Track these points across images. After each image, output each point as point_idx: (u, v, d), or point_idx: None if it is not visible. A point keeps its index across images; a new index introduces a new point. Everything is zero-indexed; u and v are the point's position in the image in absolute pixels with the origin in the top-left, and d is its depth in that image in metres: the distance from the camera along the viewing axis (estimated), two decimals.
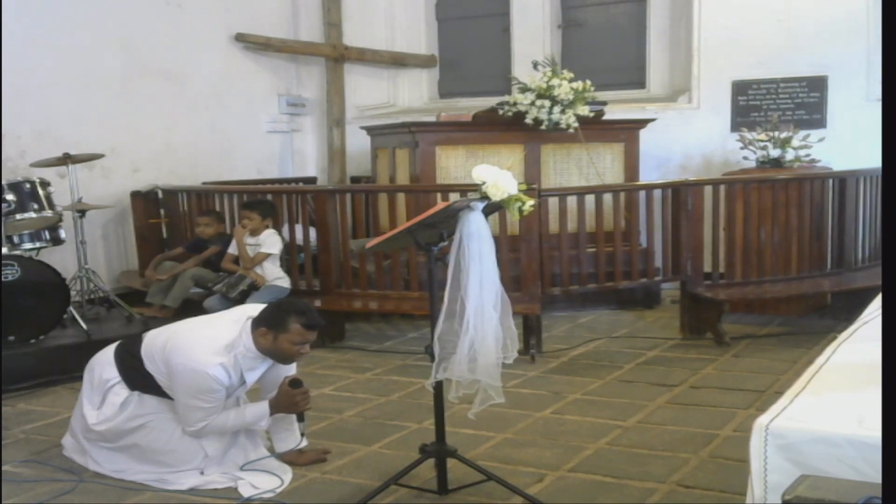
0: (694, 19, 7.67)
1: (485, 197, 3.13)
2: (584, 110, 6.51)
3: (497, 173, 3.13)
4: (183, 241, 6.73)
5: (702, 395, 4.69)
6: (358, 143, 8.40)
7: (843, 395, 2.22)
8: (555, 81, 6.44)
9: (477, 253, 3.10)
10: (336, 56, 8.64)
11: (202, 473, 3.63)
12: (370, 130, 7.59)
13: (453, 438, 3.56)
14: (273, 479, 3.58)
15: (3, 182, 5.42)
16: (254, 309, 3.65)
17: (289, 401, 3.58)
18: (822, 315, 6.43)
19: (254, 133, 8.48)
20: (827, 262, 6.30)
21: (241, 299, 5.61)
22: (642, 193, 6.10)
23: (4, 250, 5.33)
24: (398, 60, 8.87)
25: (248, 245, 5.93)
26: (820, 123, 7.32)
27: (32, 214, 5.43)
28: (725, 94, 7.64)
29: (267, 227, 5.99)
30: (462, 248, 3.11)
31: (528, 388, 4.90)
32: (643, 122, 7.10)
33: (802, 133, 6.83)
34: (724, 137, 7.56)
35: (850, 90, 7.21)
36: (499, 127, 6.68)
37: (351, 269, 6.17)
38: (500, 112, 6.60)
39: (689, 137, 7.72)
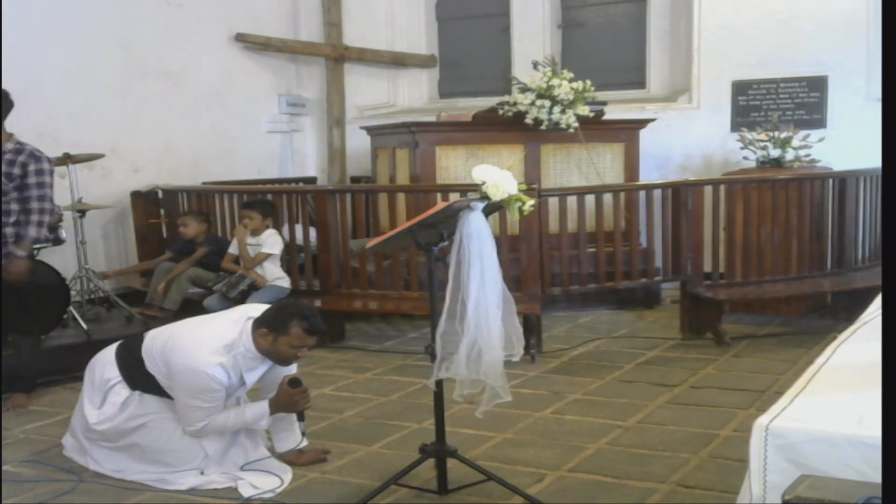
0: (694, 19, 7.67)
1: (485, 197, 3.13)
2: (584, 110, 6.51)
3: (497, 173, 3.13)
4: (182, 241, 6.72)
5: (702, 395, 4.69)
6: (358, 143, 8.40)
7: (843, 395, 2.22)
8: (555, 81, 6.44)
9: (477, 253, 3.10)
10: (336, 56, 8.64)
11: (202, 473, 3.63)
12: (370, 130, 7.59)
13: (453, 438, 3.56)
14: (273, 479, 3.58)
15: None
16: (254, 309, 3.65)
17: (288, 400, 3.59)
18: (822, 315, 6.43)
19: (254, 133, 8.49)
20: (827, 262, 6.30)
21: (241, 299, 5.61)
22: (642, 193, 6.10)
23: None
24: (398, 60, 8.87)
25: (249, 245, 5.93)
26: (820, 123, 7.32)
27: None
28: (725, 94, 7.64)
29: (268, 226, 5.99)
30: (462, 247, 3.11)
31: (528, 388, 4.90)
32: (643, 122, 7.09)
33: (802, 133, 6.83)
34: (724, 137, 7.56)
35: (850, 90, 7.21)
36: (499, 127, 6.68)
37: (351, 269, 6.17)
38: (500, 112, 6.60)
39: (689, 137, 7.71)
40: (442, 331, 3.16)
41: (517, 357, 3.25)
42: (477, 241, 3.10)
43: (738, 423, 4.16)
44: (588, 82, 6.55)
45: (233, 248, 6.08)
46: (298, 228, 6.30)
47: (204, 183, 7.44)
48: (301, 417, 3.65)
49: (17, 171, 4.56)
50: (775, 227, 6.06)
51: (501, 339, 3.16)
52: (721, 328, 5.81)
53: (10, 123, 6.47)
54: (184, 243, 6.44)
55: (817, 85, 7.35)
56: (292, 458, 3.77)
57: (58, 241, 5.74)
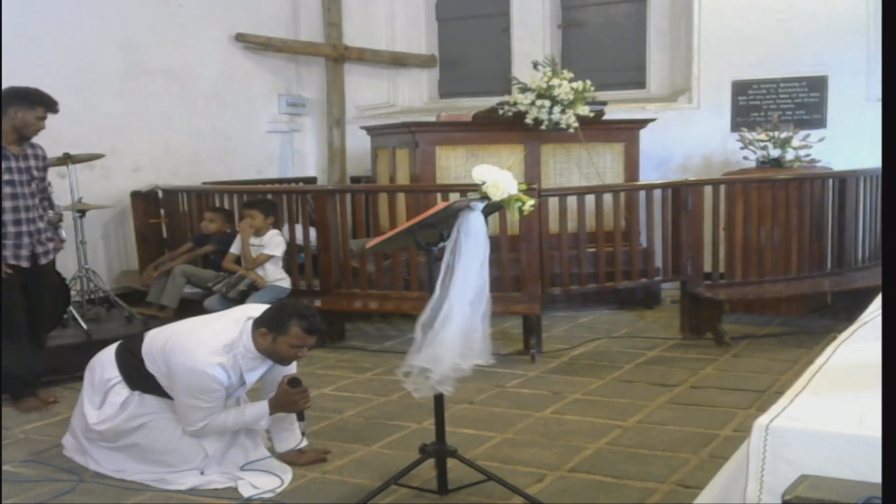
0: (694, 19, 7.67)
1: (485, 197, 3.13)
2: (584, 110, 6.51)
3: (497, 173, 3.12)
4: (183, 240, 6.74)
5: (702, 395, 4.69)
6: (358, 143, 8.40)
7: (843, 395, 2.22)
8: (555, 81, 6.44)
9: (467, 250, 3.09)
10: (336, 56, 8.64)
11: (202, 473, 3.63)
12: (370, 130, 7.59)
13: (453, 438, 3.56)
14: (273, 479, 3.58)
15: None
16: (254, 309, 3.65)
17: (288, 400, 3.59)
18: (822, 315, 6.43)
19: (254, 133, 8.48)
20: (827, 262, 6.31)
21: (241, 299, 5.61)
22: (642, 193, 6.10)
23: None
24: (398, 60, 8.87)
25: (252, 245, 5.94)
26: (820, 123, 7.32)
27: None
28: (725, 94, 7.63)
29: (270, 225, 5.99)
30: (457, 246, 3.10)
31: (528, 388, 4.90)
32: (643, 122, 7.09)
33: (802, 133, 6.83)
34: (724, 137, 7.56)
35: (850, 90, 7.21)
36: (499, 127, 6.68)
37: (351, 269, 6.17)
38: (500, 112, 6.59)
39: (689, 137, 7.71)
40: (423, 321, 3.10)
41: (468, 368, 3.13)
42: (473, 241, 3.09)
43: (738, 423, 4.16)
44: (588, 82, 6.55)
45: (234, 248, 6.08)
46: (298, 228, 6.31)
47: (204, 183, 7.44)
48: (301, 417, 3.65)
49: (41, 163, 4.71)
50: (775, 227, 6.06)
51: (464, 339, 3.08)
52: (721, 328, 5.81)
53: None
54: (199, 235, 6.47)
55: (817, 85, 7.35)
56: (292, 458, 3.77)
57: None
